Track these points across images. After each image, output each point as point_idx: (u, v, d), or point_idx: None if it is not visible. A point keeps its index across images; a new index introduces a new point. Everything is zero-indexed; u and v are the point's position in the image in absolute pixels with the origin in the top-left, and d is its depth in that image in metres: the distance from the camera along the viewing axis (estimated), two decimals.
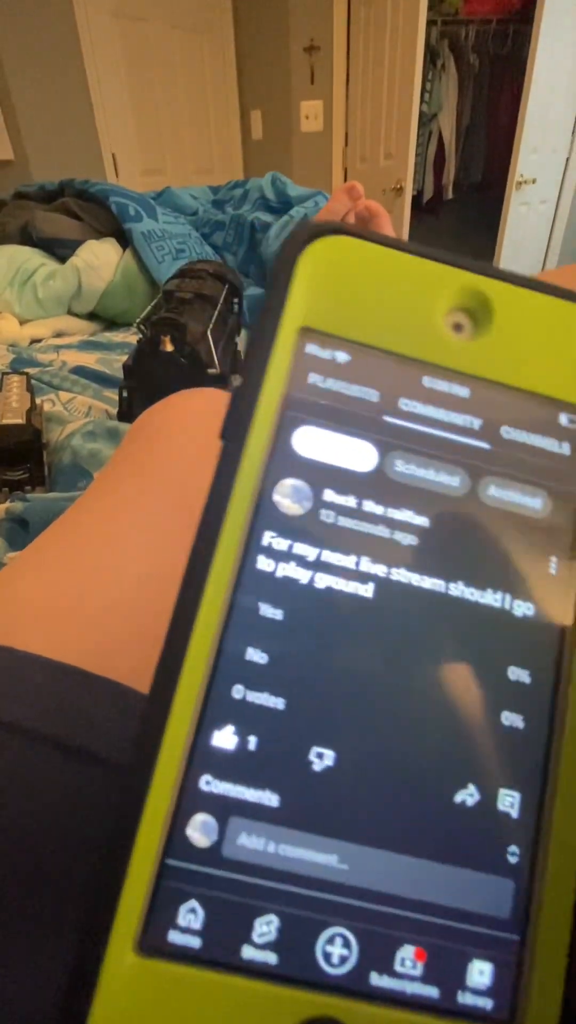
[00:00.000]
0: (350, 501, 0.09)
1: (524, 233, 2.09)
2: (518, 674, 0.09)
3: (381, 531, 0.10)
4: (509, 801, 0.09)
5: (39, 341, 0.76)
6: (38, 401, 0.52)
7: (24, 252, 0.81)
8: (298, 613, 0.09)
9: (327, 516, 0.09)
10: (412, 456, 0.10)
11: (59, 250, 0.82)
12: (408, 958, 0.08)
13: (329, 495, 0.09)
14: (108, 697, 0.15)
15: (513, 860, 0.09)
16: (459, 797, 0.09)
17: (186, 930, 0.08)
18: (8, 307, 0.78)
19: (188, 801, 0.08)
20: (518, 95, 1.87)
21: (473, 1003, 0.08)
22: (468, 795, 0.09)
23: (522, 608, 0.10)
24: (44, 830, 0.13)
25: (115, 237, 0.82)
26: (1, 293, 0.77)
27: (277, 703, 0.09)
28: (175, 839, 0.08)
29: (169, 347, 0.44)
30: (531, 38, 1.74)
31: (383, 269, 0.10)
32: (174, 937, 0.08)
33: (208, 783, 0.08)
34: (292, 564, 0.09)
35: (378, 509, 0.10)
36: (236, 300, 0.57)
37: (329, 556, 0.09)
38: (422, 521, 0.10)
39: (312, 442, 0.09)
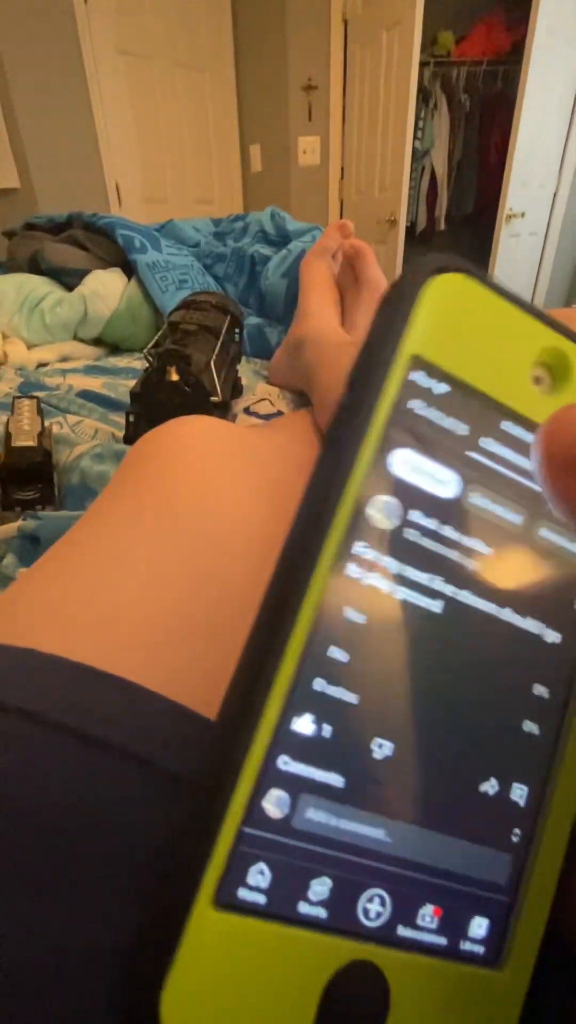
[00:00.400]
0: (432, 523, 0.10)
1: (514, 264, 2.17)
2: (540, 690, 0.11)
3: (453, 555, 0.11)
4: (519, 793, 0.11)
5: (45, 365, 0.79)
6: (47, 424, 0.55)
7: (33, 280, 0.84)
8: (377, 619, 0.10)
9: (411, 535, 0.10)
10: (486, 491, 0.11)
11: (66, 279, 0.85)
12: (428, 914, 0.10)
13: (415, 515, 0.10)
14: (119, 692, 0.17)
15: (515, 839, 0.11)
16: (483, 787, 0.11)
17: (254, 888, 0.09)
18: (16, 332, 0.81)
19: (268, 778, 0.09)
20: (507, 132, 1.95)
21: (471, 949, 0.11)
22: (490, 786, 0.11)
23: (551, 636, 0.12)
24: (68, 812, 0.14)
25: (121, 267, 0.85)
26: (10, 319, 0.80)
27: (351, 698, 0.10)
28: (253, 810, 0.09)
29: (175, 377, 0.47)
30: (520, 79, 1.82)
31: (489, 314, 0.11)
32: (243, 894, 0.09)
33: (286, 763, 0.09)
34: (376, 574, 0.10)
35: (453, 534, 0.11)
36: (237, 330, 0.60)
37: (408, 571, 0.10)
38: (486, 550, 0.11)
39: (406, 464, 0.10)
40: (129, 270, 0.84)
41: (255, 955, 0.09)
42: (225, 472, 0.27)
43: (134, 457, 0.28)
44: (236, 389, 0.59)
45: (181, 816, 0.09)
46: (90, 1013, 0.12)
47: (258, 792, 0.09)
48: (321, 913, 0.09)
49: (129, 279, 0.84)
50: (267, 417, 0.59)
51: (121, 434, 0.53)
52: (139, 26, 2.19)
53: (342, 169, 2.41)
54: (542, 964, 0.11)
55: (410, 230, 2.51)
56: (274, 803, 0.09)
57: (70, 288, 0.84)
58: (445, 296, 0.10)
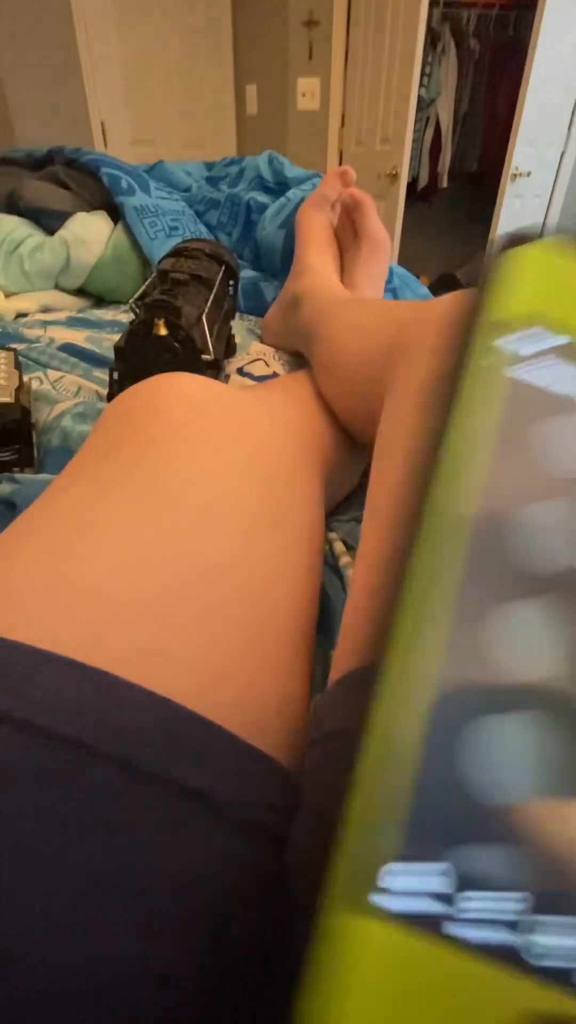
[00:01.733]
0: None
1: (518, 226, 2.09)
2: None
3: None
4: None
5: (25, 316, 0.74)
6: (25, 379, 0.51)
7: (10, 222, 0.78)
8: None
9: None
10: None
11: (47, 221, 0.79)
12: None
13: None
14: (92, 684, 0.15)
15: None
16: None
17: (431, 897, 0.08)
18: None
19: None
20: (517, 84, 1.85)
21: None
22: None
23: None
24: (31, 820, 0.12)
25: (106, 210, 0.79)
26: None
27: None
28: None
29: (163, 331, 0.43)
30: (533, 27, 1.72)
31: None
32: (417, 905, 0.08)
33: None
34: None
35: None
36: (232, 282, 0.56)
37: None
38: None
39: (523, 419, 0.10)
40: (115, 214, 0.78)
41: (432, 987, 0.07)
42: (213, 437, 0.24)
43: (111, 417, 0.25)
44: (230, 347, 0.56)
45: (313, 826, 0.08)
46: None
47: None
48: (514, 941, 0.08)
49: (115, 224, 0.78)
50: (262, 379, 0.55)
51: (106, 392, 0.49)
52: None
53: (343, 116, 2.28)
54: None
55: (410, 187, 2.40)
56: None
57: (51, 232, 0.78)
58: (550, 260, 0.11)
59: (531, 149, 1.92)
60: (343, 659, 0.18)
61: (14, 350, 0.51)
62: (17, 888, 0.12)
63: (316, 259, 0.57)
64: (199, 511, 0.21)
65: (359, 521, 0.39)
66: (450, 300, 0.25)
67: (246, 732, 0.17)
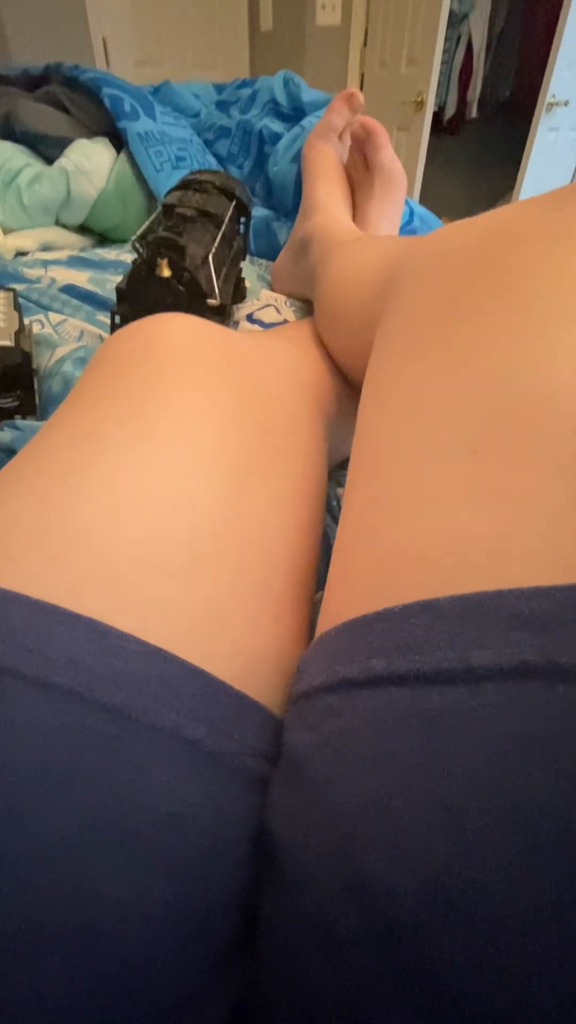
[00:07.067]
0: None
1: (550, 163, 1.95)
2: None
3: None
4: None
5: (25, 254, 0.70)
6: (26, 321, 0.49)
7: (6, 149, 0.73)
8: None
9: None
10: None
11: (44, 149, 0.74)
12: None
13: None
14: (83, 632, 0.14)
15: None
16: None
17: None
18: None
19: None
20: (559, 1, 1.68)
21: None
22: None
23: None
24: (25, 768, 0.12)
25: (108, 137, 0.74)
26: None
27: None
28: None
29: (166, 272, 0.41)
30: None
31: None
32: None
33: None
34: None
35: None
36: (243, 220, 0.52)
37: None
38: None
39: None
40: (117, 141, 0.73)
41: None
42: (208, 380, 0.23)
43: (102, 359, 0.24)
44: (239, 291, 0.53)
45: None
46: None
47: None
48: None
49: (118, 153, 0.73)
50: (272, 326, 0.53)
51: (108, 337, 0.48)
52: None
53: (366, 33, 2.09)
54: None
55: (436, 117, 2.23)
56: None
57: (49, 161, 0.73)
58: None
59: (570, 73, 1.76)
60: (324, 615, 0.18)
61: (13, 290, 0.49)
62: (7, 833, 0.12)
63: (325, 197, 0.53)
64: (190, 455, 0.20)
65: None
66: (445, 230, 0.23)
67: (239, 682, 0.16)
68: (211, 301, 0.42)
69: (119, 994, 0.12)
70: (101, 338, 0.50)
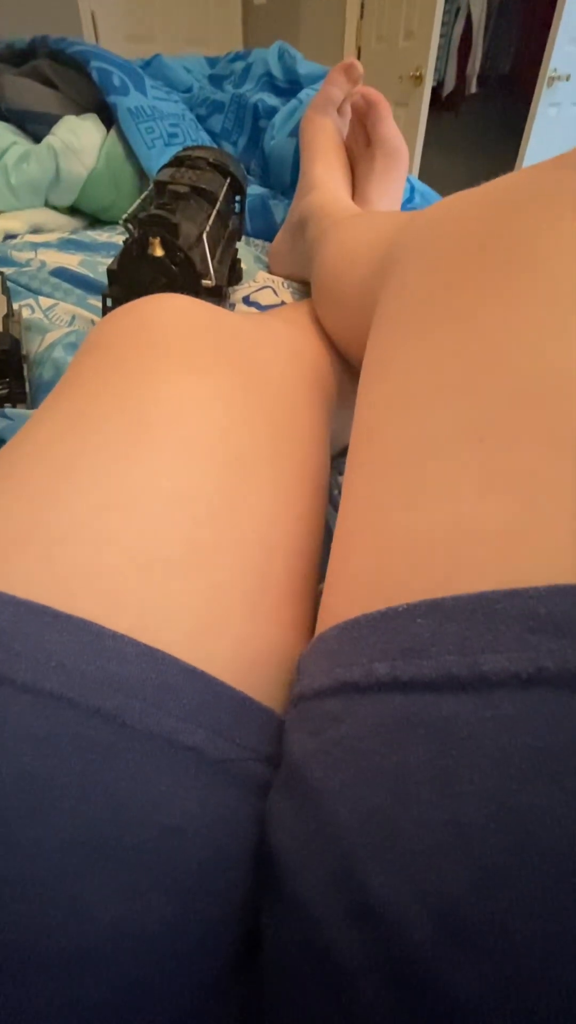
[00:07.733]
0: None
1: (551, 139, 1.91)
2: None
3: None
4: None
5: (14, 237, 0.68)
6: (16, 306, 0.47)
7: None
8: None
9: None
10: None
11: (31, 126, 0.72)
12: None
13: None
14: (78, 636, 0.14)
15: None
16: None
17: None
18: None
19: None
20: None
21: None
22: None
23: None
24: (12, 779, 0.12)
25: (97, 113, 0.71)
26: None
27: None
28: None
29: (159, 251, 0.39)
30: None
31: None
32: None
33: None
34: None
35: None
36: (239, 198, 0.51)
37: None
38: None
39: None
40: (107, 118, 0.70)
41: None
42: (205, 364, 0.22)
43: (93, 344, 0.23)
44: (234, 272, 0.51)
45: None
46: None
47: None
48: None
49: (108, 130, 0.70)
50: (270, 308, 0.51)
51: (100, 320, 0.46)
52: None
53: (362, 5, 2.03)
54: None
55: (434, 93, 2.17)
56: None
57: (37, 139, 0.71)
58: None
59: (572, 47, 1.71)
60: (324, 611, 0.17)
61: (2, 274, 0.48)
62: None
63: (323, 173, 0.51)
64: (187, 444, 0.19)
65: None
66: (443, 202, 0.22)
67: (241, 682, 0.16)
68: (206, 282, 0.40)
69: (113, 1020, 0.11)
70: (93, 322, 0.48)
